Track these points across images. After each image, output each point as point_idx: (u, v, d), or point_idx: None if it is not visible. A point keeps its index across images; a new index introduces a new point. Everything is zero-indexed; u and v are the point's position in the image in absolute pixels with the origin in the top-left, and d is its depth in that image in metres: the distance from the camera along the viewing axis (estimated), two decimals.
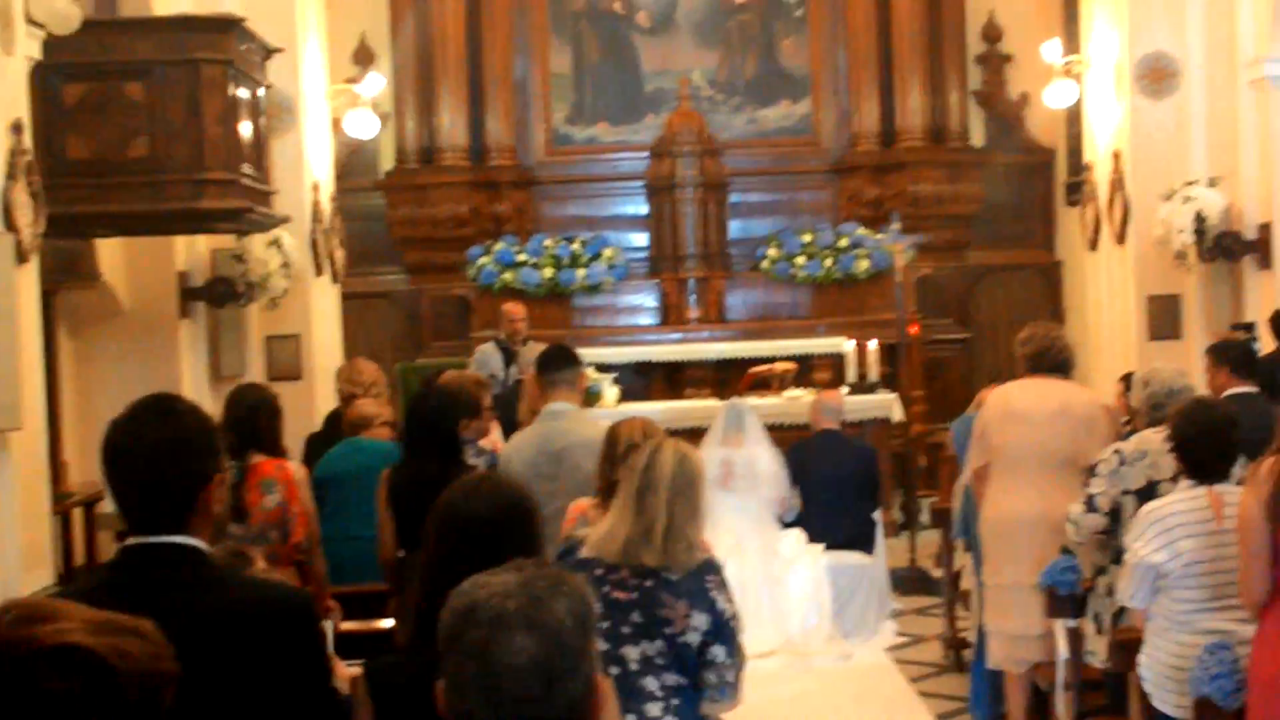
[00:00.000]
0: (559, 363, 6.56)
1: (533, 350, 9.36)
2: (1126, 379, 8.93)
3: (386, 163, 14.16)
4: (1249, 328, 10.25)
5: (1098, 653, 6.17)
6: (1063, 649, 6.59)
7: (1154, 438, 6.04)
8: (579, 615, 2.10)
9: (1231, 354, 6.95)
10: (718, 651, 4.22)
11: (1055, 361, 7.11)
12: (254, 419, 5.96)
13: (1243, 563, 4.78)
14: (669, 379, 12.71)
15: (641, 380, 12.42)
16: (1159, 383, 6.30)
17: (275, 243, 10.34)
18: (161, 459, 2.73)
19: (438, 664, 2.11)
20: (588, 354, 11.46)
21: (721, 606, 4.22)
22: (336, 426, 7.72)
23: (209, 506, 2.81)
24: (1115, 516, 6.08)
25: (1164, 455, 5.83)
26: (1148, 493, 5.85)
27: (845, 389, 11.33)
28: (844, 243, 13.31)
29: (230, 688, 2.65)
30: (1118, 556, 5.98)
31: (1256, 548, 4.69)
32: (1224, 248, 10.86)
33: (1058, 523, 6.78)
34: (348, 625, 5.56)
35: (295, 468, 6.15)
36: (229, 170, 8.33)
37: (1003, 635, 6.88)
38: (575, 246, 13.37)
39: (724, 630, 4.23)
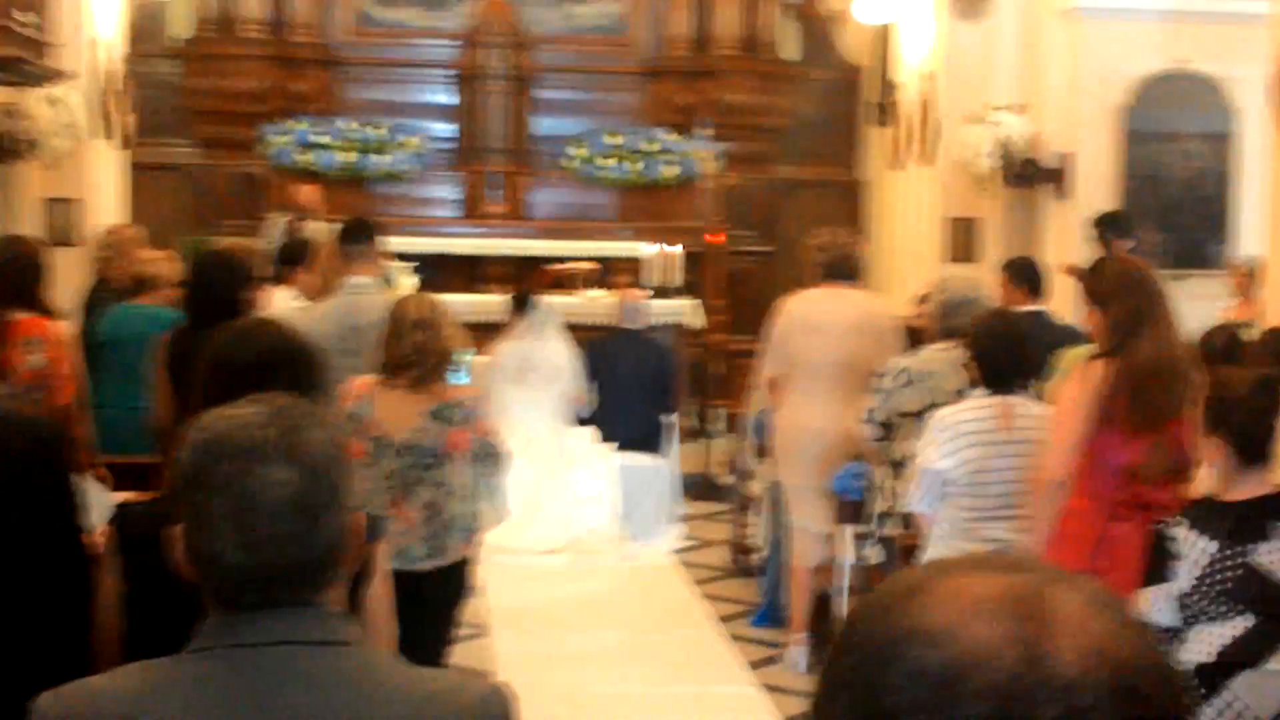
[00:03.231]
0: (359, 235, 6.38)
1: (321, 232, 9.09)
2: (925, 299, 9.01)
3: (185, 29, 13.52)
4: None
5: (870, 557, 6.26)
6: (851, 555, 6.63)
7: (940, 357, 6.06)
8: (337, 447, 1.92)
9: (1027, 272, 7.00)
10: None
11: (851, 269, 7.12)
12: (15, 274, 5.59)
13: (1055, 446, 4.78)
14: (468, 273, 12.45)
15: (440, 273, 12.13)
16: (952, 292, 6.34)
17: (56, 101, 9.76)
18: None
19: None
20: (387, 243, 11.22)
21: None
22: (102, 292, 7.36)
23: None
24: (890, 428, 6.12)
25: (948, 377, 5.87)
26: (922, 415, 5.89)
27: (646, 292, 11.23)
28: (652, 147, 13.15)
29: None
30: (894, 467, 6.04)
31: (1072, 436, 4.70)
32: (1025, 175, 10.98)
33: (850, 431, 6.82)
34: (121, 495, 5.27)
35: (62, 327, 5.80)
36: None
37: (802, 530, 6.92)
38: (378, 132, 12.98)
39: None
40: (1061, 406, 4.88)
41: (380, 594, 3.33)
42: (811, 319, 6.94)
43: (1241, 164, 10.80)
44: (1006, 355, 5.38)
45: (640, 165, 13.09)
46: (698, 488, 10.09)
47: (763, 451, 7.63)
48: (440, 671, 2.21)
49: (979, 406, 5.36)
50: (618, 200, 13.31)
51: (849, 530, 6.58)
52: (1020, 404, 5.32)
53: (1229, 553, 3.97)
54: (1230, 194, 11.01)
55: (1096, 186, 10.67)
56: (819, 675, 1.04)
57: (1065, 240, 10.68)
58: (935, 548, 5.35)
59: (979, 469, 5.23)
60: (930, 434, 5.38)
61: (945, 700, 0.95)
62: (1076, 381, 4.83)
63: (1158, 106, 10.94)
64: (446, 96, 13.71)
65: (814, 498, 6.83)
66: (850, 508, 6.56)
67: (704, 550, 9.03)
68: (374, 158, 12.87)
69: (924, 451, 5.36)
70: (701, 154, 11.80)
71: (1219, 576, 3.96)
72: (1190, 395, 4.41)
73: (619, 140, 13.26)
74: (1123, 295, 4.71)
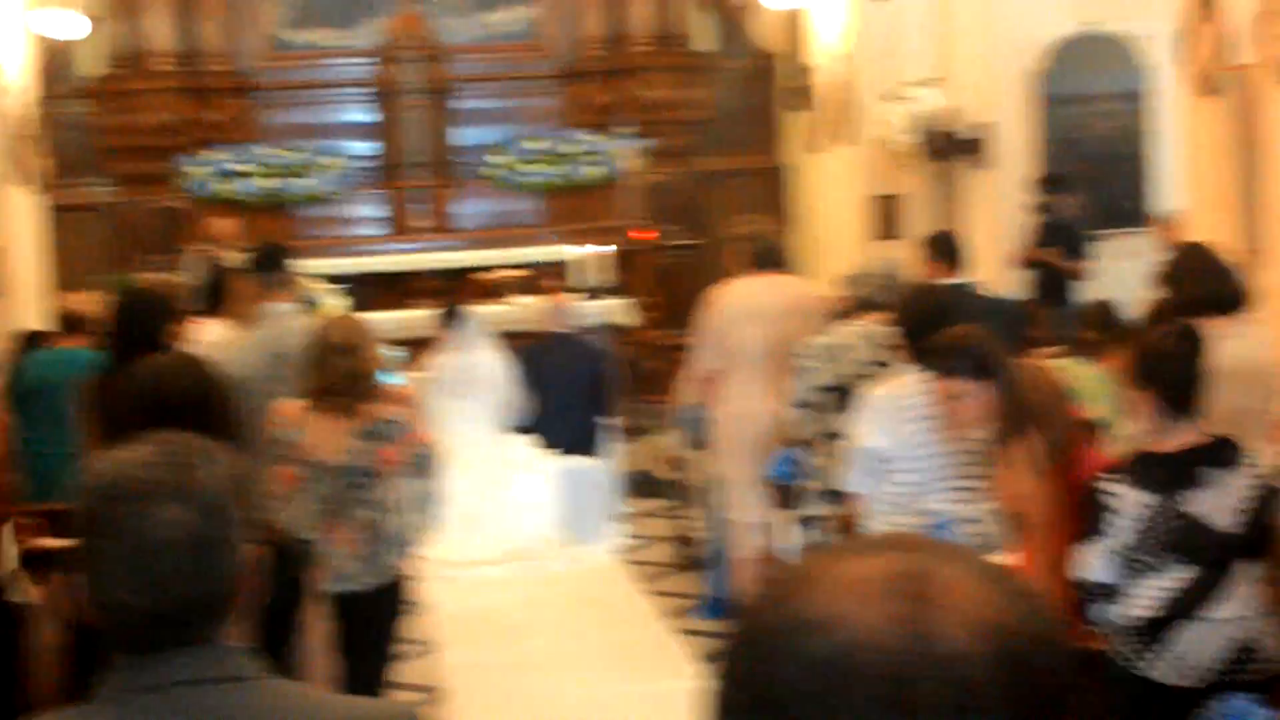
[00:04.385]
0: (271, 262, 6.34)
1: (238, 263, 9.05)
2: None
3: (94, 67, 13.40)
4: None
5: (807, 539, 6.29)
6: (788, 540, 6.64)
7: (853, 330, 6.11)
8: (231, 482, 1.90)
9: (945, 245, 7.04)
10: None
11: (779, 257, 7.16)
12: None
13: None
14: (399, 289, 12.40)
15: (370, 291, 12.08)
16: (868, 271, 6.39)
17: None
18: None
19: None
20: (312, 265, 11.15)
21: None
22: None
23: None
24: (814, 407, 6.14)
25: (861, 350, 5.91)
26: (842, 390, 5.92)
27: (576, 295, 11.25)
28: (573, 149, 13.14)
29: None
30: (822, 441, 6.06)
31: None
32: (945, 148, 11.03)
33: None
34: (51, 543, 5.22)
35: None
36: None
37: (741, 525, 6.93)
38: (298, 155, 12.91)
39: None
40: None
41: (315, 620, 3.31)
42: (746, 308, 6.95)
43: (1157, 121, 10.89)
44: (932, 329, 5.40)
45: (563, 168, 13.08)
46: (639, 485, 10.07)
47: (698, 444, 7.63)
48: (352, 699, 2.19)
49: (910, 382, 5.38)
50: (544, 205, 13.30)
51: (786, 516, 6.59)
52: None
53: (1166, 504, 4.01)
54: (1149, 151, 11.11)
55: (1016, 154, 10.74)
56: (717, 670, 1.04)
57: (989, 210, 10.75)
58: (874, 525, 5.37)
59: (914, 444, 5.24)
60: (862, 412, 5.39)
61: (836, 686, 0.95)
62: None
63: (1071, 69, 11.03)
64: (365, 114, 13.65)
65: (752, 488, 6.84)
66: (784, 493, 6.57)
67: (648, 548, 9.03)
68: (295, 182, 12.80)
69: (856, 430, 5.37)
70: (623, 152, 11.80)
71: (1159, 528, 4.01)
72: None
73: (540, 145, 13.24)
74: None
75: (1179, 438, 4.08)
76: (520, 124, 13.66)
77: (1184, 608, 3.96)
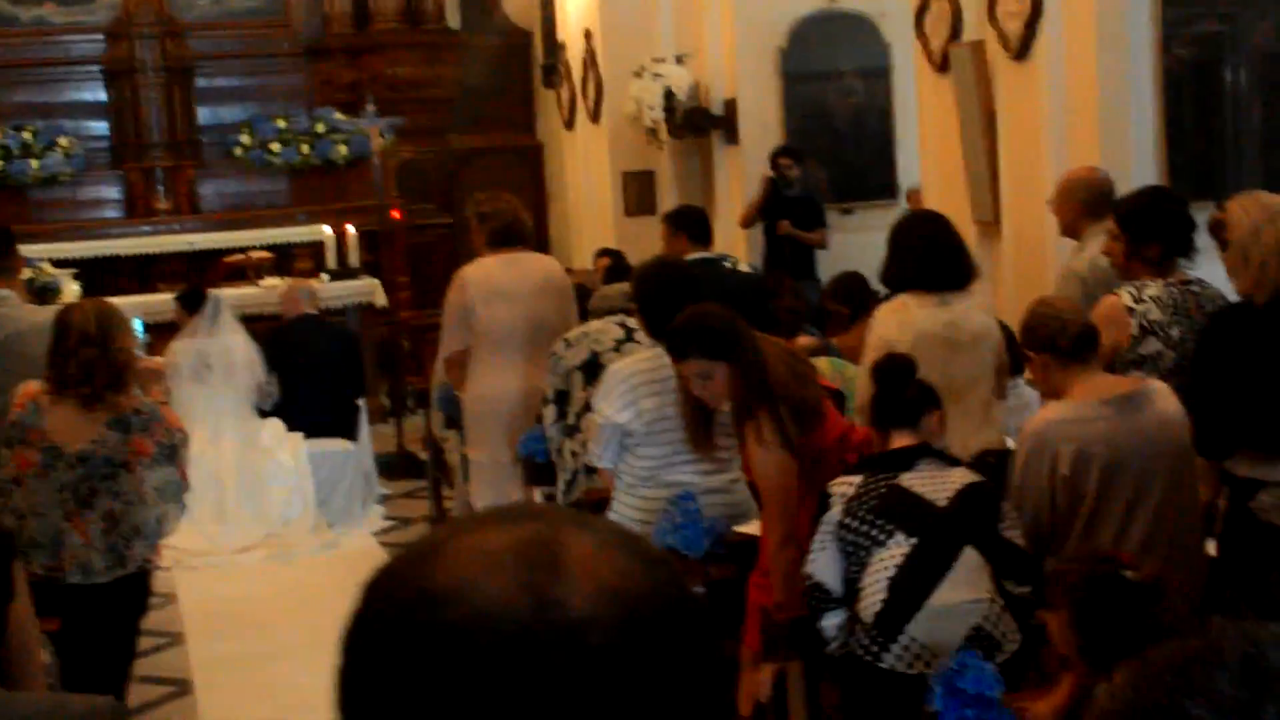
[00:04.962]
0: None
1: None
2: (604, 253, 9.07)
3: None
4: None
5: None
6: None
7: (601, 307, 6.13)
8: None
9: (684, 220, 7.04)
10: None
11: (524, 233, 7.08)
12: None
13: None
14: (139, 273, 11.98)
15: (110, 276, 11.64)
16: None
17: None
18: None
19: None
20: (47, 249, 10.71)
21: None
22: None
23: None
24: (564, 397, 6.11)
25: (607, 330, 5.93)
26: (592, 364, 5.91)
27: (325, 276, 11.04)
28: (320, 128, 12.86)
29: None
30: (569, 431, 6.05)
31: None
32: (693, 124, 11.11)
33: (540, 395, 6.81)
34: None
35: None
36: None
37: (489, 506, 6.86)
38: (26, 136, 12.35)
39: None
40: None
41: (23, 612, 3.17)
42: (494, 287, 6.87)
43: (898, 97, 11.15)
44: (669, 302, 5.41)
45: (310, 147, 12.79)
46: (395, 467, 9.95)
47: (453, 424, 7.55)
48: (34, 695, 2.07)
49: (649, 356, 5.38)
50: (290, 185, 12.98)
51: (537, 493, 6.55)
52: None
53: (874, 477, 4.08)
54: (892, 126, 11.37)
55: (763, 129, 10.88)
56: (341, 645, 1.00)
57: (739, 185, 10.87)
58: (620, 499, 5.36)
59: (657, 417, 5.24)
60: (605, 387, 5.38)
61: (461, 660, 0.93)
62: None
63: (814, 46, 11.22)
64: (99, 93, 13.14)
65: (505, 471, 6.78)
66: (537, 470, 6.53)
67: (405, 528, 8.92)
68: (27, 163, 12.25)
69: (600, 406, 5.36)
70: (373, 131, 11.59)
71: (867, 497, 4.05)
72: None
73: (286, 124, 12.92)
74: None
75: (898, 442, 4.18)
76: (266, 102, 13.31)
77: (912, 590, 3.93)
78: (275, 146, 12.79)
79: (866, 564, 4.00)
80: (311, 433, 8.84)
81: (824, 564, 4.06)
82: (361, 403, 9.32)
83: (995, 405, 5.14)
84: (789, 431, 4.48)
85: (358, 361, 9.31)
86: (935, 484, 4.07)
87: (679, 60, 11.10)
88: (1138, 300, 4.73)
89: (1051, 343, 4.25)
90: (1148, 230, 4.82)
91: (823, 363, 5.68)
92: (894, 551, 3.99)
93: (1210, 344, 4.30)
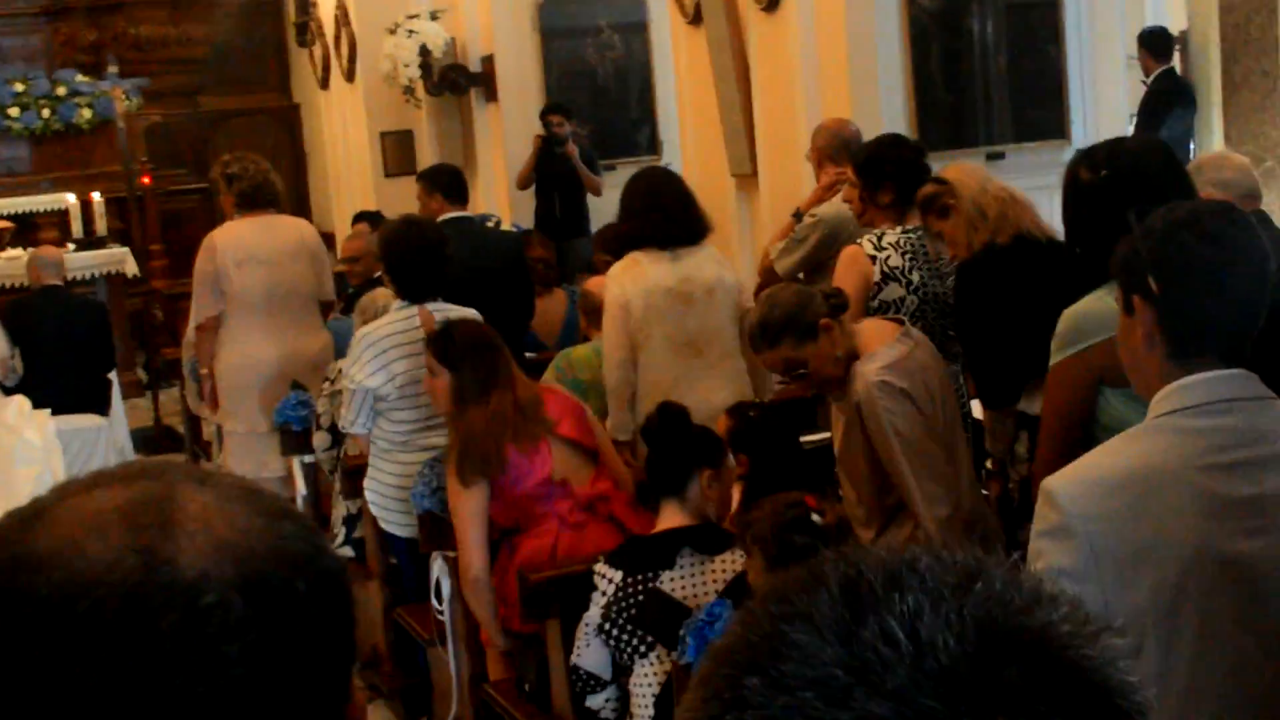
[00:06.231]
0: None
1: None
2: (360, 216, 8.87)
3: None
4: None
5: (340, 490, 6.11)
6: (302, 486, 6.48)
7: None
8: None
9: (437, 179, 6.92)
10: None
11: (275, 194, 6.92)
12: None
13: None
14: None
15: None
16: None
17: None
18: None
19: None
20: None
21: None
22: None
23: None
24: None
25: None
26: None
27: (72, 246, 10.61)
28: (62, 91, 12.35)
29: None
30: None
31: None
32: (450, 82, 10.93)
33: (300, 362, 6.67)
34: None
35: None
36: None
37: (244, 475, 6.68)
38: None
39: None
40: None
41: None
42: (246, 251, 6.70)
43: (657, 51, 11.14)
44: (417, 263, 5.32)
45: (52, 112, 12.28)
46: (154, 440, 9.64)
47: (204, 395, 7.34)
48: None
49: (400, 319, 5.29)
50: (31, 151, 12.47)
51: (296, 461, 6.41)
52: (441, 309, 5.28)
53: (633, 579, 3.80)
54: (652, 80, 11.37)
55: (522, 87, 10.77)
56: None
57: (500, 143, 10.75)
58: (376, 465, 5.27)
59: (409, 380, 5.16)
60: (355, 352, 5.28)
61: (56, 628, 0.88)
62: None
63: (571, 1, 11.15)
64: None
65: (262, 440, 6.63)
66: (295, 438, 6.38)
67: None
68: None
69: (351, 371, 5.25)
70: (115, 93, 11.16)
71: (625, 603, 3.79)
72: None
73: (24, 87, 12.37)
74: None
75: (664, 521, 3.94)
76: (3, 65, 12.75)
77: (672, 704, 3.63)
78: (14, 111, 12.27)
79: (632, 668, 3.79)
80: (59, 409, 8.47)
81: (590, 658, 3.84)
82: (113, 376, 8.98)
83: (739, 358, 5.15)
84: (477, 390, 4.43)
85: (107, 333, 8.96)
86: (696, 584, 3.79)
87: (434, 16, 10.89)
88: (878, 248, 4.77)
89: (812, 320, 3.79)
90: (880, 177, 4.87)
91: (586, 349, 5.60)
92: (656, 668, 3.75)
93: (969, 296, 4.31)
